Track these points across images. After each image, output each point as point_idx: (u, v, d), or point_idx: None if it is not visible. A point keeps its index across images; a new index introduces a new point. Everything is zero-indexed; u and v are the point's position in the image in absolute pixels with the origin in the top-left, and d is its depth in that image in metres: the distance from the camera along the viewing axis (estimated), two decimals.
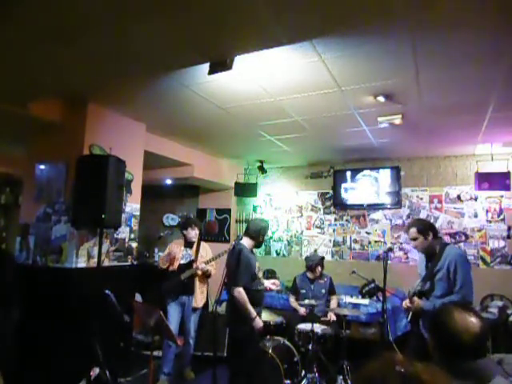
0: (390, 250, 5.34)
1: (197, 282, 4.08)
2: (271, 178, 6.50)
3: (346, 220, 5.86)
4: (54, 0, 1.94)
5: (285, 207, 6.37)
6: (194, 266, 4.00)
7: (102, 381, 2.85)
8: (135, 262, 4.16)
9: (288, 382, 3.47)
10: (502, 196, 4.94)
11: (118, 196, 3.38)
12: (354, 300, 4.60)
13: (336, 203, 5.86)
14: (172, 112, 3.90)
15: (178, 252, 4.11)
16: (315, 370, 3.53)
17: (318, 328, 3.77)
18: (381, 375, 0.87)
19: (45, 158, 3.82)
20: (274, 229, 6.33)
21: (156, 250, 6.46)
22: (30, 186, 3.91)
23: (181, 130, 4.54)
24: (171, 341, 3.49)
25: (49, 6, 1.98)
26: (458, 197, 5.18)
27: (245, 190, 6.20)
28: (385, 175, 5.51)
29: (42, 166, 3.84)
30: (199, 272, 4.02)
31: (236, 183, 6.22)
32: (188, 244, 4.14)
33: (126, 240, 3.99)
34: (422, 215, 5.34)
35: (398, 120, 3.74)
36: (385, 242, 5.54)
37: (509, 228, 4.90)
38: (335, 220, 5.95)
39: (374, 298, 4.59)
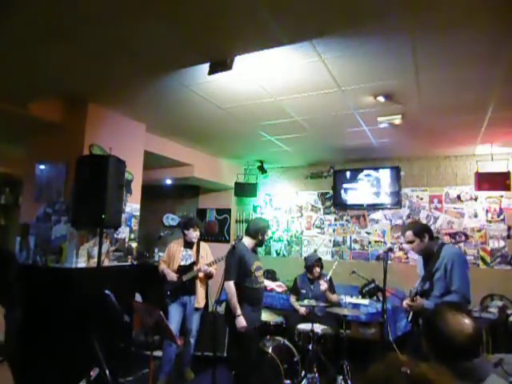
0: (390, 250, 5.39)
1: (198, 283, 4.08)
2: (271, 177, 6.50)
3: (346, 220, 5.86)
4: (54, 0, 1.94)
5: (285, 207, 6.37)
6: (196, 268, 4.00)
7: (102, 381, 2.85)
8: (135, 262, 4.16)
9: (288, 382, 3.47)
10: (501, 196, 4.94)
11: (118, 196, 3.38)
12: (354, 300, 4.60)
13: (336, 203, 5.86)
14: (172, 112, 3.90)
15: (178, 252, 4.11)
16: (315, 369, 3.53)
17: (318, 328, 3.77)
18: (387, 377, 0.87)
19: (45, 158, 3.82)
20: (274, 229, 6.33)
21: (156, 250, 6.46)
22: (29, 186, 3.91)
23: (181, 130, 4.54)
24: (171, 341, 3.49)
25: (49, 6, 1.98)
26: (458, 197, 5.18)
27: (245, 189, 6.20)
28: (385, 175, 5.51)
29: (42, 166, 3.84)
30: (201, 274, 4.03)
31: (236, 183, 6.22)
32: (188, 244, 4.13)
33: (126, 240, 3.99)
34: (422, 215, 5.34)
35: (397, 120, 3.74)
36: (385, 242, 5.54)
37: (509, 228, 4.90)
38: (335, 220, 5.95)
39: (374, 297, 4.60)
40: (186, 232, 4.11)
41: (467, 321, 1.35)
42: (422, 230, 3.01)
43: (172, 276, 3.95)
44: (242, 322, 3.15)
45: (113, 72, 2.84)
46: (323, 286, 4.22)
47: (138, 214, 4.16)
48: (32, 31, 2.23)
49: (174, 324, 3.82)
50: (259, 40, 2.29)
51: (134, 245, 4.11)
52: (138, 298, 4.97)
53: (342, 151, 5.26)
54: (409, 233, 3.04)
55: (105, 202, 3.14)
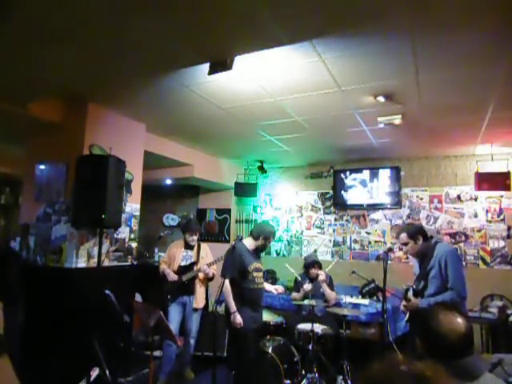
0: (390, 250, 5.38)
1: (197, 283, 4.09)
2: (271, 178, 6.50)
3: (346, 220, 5.86)
4: (54, 0, 1.94)
5: (285, 207, 6.37)
6: (195, 268, 4.02)
7: (102, 381, 2.86)
8: (135, 262, 4.16)
9: (288, 382, 3.47)
10: (501, 196, 4.94)
11: (118, 196, 3.37)
12: (354, 300, 4.60)
13: (336, 203, 5.86)
14: (172, 112, 3.90)
15: (178, 253, 4.12)
16: (315, 370, 3.53)
17: (318, 328, 3.76)
18: (386, 376, 0.88)
19: (45, 158, 3.82)
20: None
21: (156, 250, 6.46)
22: (30, 186, 3.91)
23: (181, 130, 4.54)
24: (171, 341, 3.49)
25: (49, 6, 1.98)
26: (458, 197, 5.18)
27: (245, 189, 6.20)
28: (385, 175, 5.51)
29: (42, 166, 3.84)
30: (201, 275, 4.04)
31: (236, 183, 6.22)
32: (188, 245, 4.16)
33: (126, 240, 3.99)
34: (422, 215, 5.34)
35: (397, 120, 3.74)
36: (385, 242, 5.54)
37: (509, 228, 4.90)
38: (335, 220, 5.95)
39: (374, 298, 4.60)
40: (184, 235, 4.15)
41: (459, 320, 1.38)
42: (415, 232, 3.01)
43: (172, 276, 3.96)
44: (237, 318, 3.18)
45: (113, 72, 2.84)
46: (322, 275, 4.21)
47: (138, 213, 4.16)
48: (32, 31, 2.23)
49: (173, 324, 3.83)
50: (259, 40, 2.29)
51: (134, 245, 4.11)
52: (138, 297, 4.97)
53: (342, 151, 5.26)
54: (403, 235, 3.05)
55: (105, 202, 3.14)
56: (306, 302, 3.90)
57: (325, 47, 2.49)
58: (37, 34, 2.25)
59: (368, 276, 4.49)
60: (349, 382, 3.54)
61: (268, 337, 3.74)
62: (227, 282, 3.21)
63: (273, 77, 2.99)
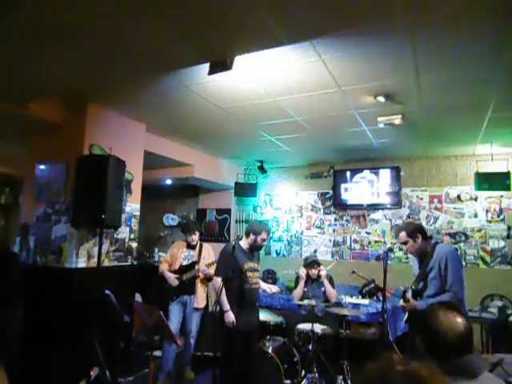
0: (390, 250, 5.40)
1: (198, 283, 4.09)
2: (271, 178, 6.50)
3: (346, 220, 5.86)
4: (54, 0, 1.94)
5: (285, 207, 6.37)
6: (196, 267, 4.03)
7: (101, 381, 2.85)
8: (135, 262, 4.17)
9: (288, 382, 3.47)
10: (501, 196, 4.94)
11: (118, 196, 3.38)
12: (354, 300, 4.61)
13: (336, 203, 5.85)
14: (172, 112, 3.90)
15: (180, 253, 4.13)
16: (315, 370, 3.52)
17: (318, 328, 3.76)
18: (382, 375, 0.88)
19: (45, 158, 3.82)
20: (274, 229, 6.33)
21: (156, 250, 6.47)
22: (29, 186, 3.91)
23: (181, 130, 4.54)
24: (171, 341, 3.49)
25: (48, 6, 1.98)
26: (458, 197, 5.18)
27: (245, 189, 6.19)
28: (385, 175, 5.50)
29: (42, 166, 3.84)
30: (201, 275, 4.04)
31: (236, 183, 6.21)
32: (190, 245, 4.18)
33: (126, 240, 3.99)
34: (422, 215, 5.34)
35: (397, 120, 3.73)
36: (385, 242, 5.54)
37: (509, 228, 4.90)
38: (335, 220, 5.95)
39: (374, 298, 4.59)
40: (185, 236, 4.17)
41: (459, 319, 1.39)
42: (414, 231, 3.01)
43: (173, 281, 3.97)
44: (230, 316, 3.17)
45: (113, 72, 2.84)
46: (323, 270, 4.21)
47: (138, 213, 4.16)
48: (32, 31, 2.23)
49: (174, 324, 3.84)
50: (259, 40, 2.29)
51: (134, 245, 4.11)
52: (138, 298, 4.97)
53: (341, 151, 5.26)
54: (402, 234, 3.05)
55: (105, 201, 3.14)
56: (306, 301, 3.90)
57: (325, 47, 2.49)
58: (37, 33, 2.25)
59: (368, 276, 4.47)
60: (349, 382, 3.54)
61: (268, 337, 3.74)
62: (219, 280, 3.18)
63: (273, 77, 2.99)
